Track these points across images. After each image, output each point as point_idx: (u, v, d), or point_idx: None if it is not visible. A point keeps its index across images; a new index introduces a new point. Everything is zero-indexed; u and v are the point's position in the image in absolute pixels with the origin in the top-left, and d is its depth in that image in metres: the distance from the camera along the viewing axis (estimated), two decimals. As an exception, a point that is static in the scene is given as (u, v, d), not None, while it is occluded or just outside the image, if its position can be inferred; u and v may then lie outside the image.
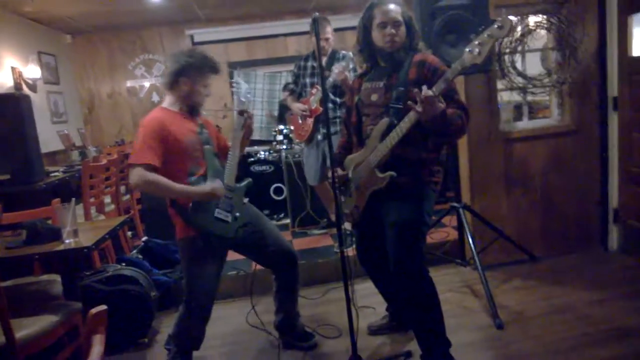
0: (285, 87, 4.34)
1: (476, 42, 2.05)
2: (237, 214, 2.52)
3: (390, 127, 2.28)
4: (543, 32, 3.61)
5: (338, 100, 3.96)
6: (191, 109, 2.56)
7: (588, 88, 3.70)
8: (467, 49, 2.07)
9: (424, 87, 2.09)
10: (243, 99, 2.59)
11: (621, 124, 3.66)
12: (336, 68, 3.62)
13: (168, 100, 2.55)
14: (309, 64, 4.09)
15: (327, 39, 3.91)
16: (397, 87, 2.32)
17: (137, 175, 2.32)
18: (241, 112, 2.56)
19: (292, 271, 2.75)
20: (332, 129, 3.91)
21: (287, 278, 2.77)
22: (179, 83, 2.48)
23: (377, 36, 2.38)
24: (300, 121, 4.10)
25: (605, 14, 3.63)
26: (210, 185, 2.41)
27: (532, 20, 3.56)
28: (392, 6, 2.34)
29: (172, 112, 2.51)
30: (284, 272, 2.76)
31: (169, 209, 2.54)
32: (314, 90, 3.98)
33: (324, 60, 3.91)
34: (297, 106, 4.08)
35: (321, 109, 3.89)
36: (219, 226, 2.46)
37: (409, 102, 2.13)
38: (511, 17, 3.31)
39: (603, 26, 3.64)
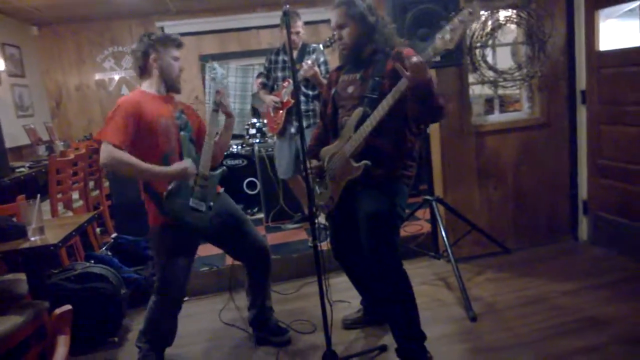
0: (258, 75, 4.32)
1: (447, 28, 2.03)
2: (211, 203, 2.49)
3: (364, 117, 2.28)
4: (513, 26, 3.66)
5: (310, 93, 3.94)
6: (169, 88, 2.53)
7: (557, 82, 3.76)
8: (438, 35, 2.05)
9: (413, 57, 2.05)
10: (220, 85, 2.59)
11: (589, 117, 3.73)
12: (305, 64, 3.60)
13: (145, 84, 2.53)
14: (280, 57, 4.06)
15: (297, 33, 3.89)
16: (373, 78, 2.33)
17: (106, 152, 2.27)
18: (217, 93, 2.55)
19: (264, 266, 2.73)
20: (305, 122, 3.91)
21: (259, 273, 2.75)
22: (149, 62, 2.47)
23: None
24: (272, 114, 4.07)
25: (573, 9, 3.69)
26: (183, 163, 2.39)
27: (502, 14, 3.59)
28: (333, 11, 2.38)
29: (150, 95, 2.48)
30: (256, 267, 2.73)
31: (143, 194, 2.49)
32: (285, 84, 3.96)
33: (295, 53, 3.88)
34: (269, 98, 4.05)
35: (292, 101, 3.87)
36: (193, 215, 2.42)
37: (396, 65, 2.09)
38: (481, 12, 3.35)
39: (571, 21, 3.70)
